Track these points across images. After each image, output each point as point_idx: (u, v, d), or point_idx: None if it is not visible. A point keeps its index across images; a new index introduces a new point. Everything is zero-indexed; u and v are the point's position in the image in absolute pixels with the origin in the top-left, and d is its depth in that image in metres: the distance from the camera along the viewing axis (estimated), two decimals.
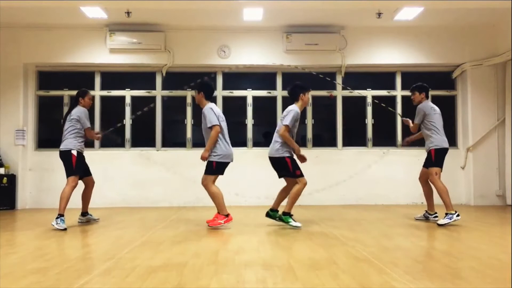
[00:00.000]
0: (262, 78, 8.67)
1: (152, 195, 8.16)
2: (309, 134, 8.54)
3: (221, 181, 5.45)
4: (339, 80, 8.58)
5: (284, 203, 5.47)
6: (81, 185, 5.68)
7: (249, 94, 8.55)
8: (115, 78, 8.56)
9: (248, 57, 8.33)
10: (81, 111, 5.62)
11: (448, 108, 8.32)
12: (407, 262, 3.49)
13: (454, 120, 8.57)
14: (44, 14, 7.52)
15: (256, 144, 8.51)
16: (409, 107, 8.47)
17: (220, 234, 4.96)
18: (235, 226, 5.47)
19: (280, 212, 5.47)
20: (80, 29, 8.12)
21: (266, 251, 3.99)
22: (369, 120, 8.57)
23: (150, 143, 8.48)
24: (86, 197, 5.87)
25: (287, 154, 5.34)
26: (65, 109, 7.62)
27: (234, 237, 4.79)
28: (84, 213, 5.92)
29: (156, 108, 8.49)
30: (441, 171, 5.57)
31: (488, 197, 8.18)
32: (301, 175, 5.35)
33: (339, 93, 8.63)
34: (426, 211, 5.97)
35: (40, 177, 8.09)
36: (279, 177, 5.54)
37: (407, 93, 8.49)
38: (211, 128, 5.25)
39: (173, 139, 8.80)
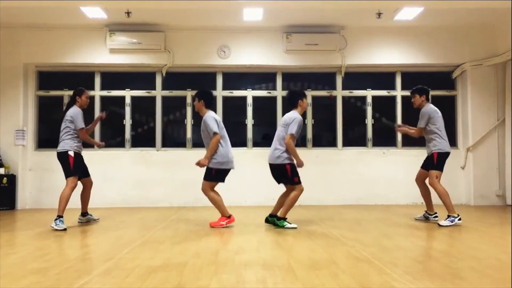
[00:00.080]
0: (262, 78, 8.67)
1: (152, 195, 8.16)
2: (309, 134, 8.54)
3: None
4: (339, 80, 8.59)
5: None
6: (80, 185, 5.67)
7: (249, 94, 8.55)
8: (115, 78, 8.56)
9: (248, 57, 8.33)
10: (76, 112, 5.55)
11: (448, 108, 8.32)
12: (407, 262, 3.49)
13: (454, 120, 8.57)
14: (44, 14, 7.52)
15: (256, 144, 8.51)
16: (409, 107, 8.49)
17: (220, 234, 4.96)
18: (235, 226, 5.48)
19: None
20: (80, 29, 8.12)
21: (266, 251, 3.99)
22: (369, 120, 8.57)
23: (150, 143, 8.48)
24: (84, 197, 5.85)
25: (288, 161, 5.33)
26: None
27: (234, 237, 4.80)
28: (84, 213, 5.92)
29: (156, 108, 8.49)
30: (441, 174, 5.57)
31: (488, 197, 8.18)
32: (299, 182, 5.36)
33: (339, 93, 8.63)
34: (426, 212, 5.98)
35: (40, 177, 8.09)
36: (278, 183, 5.55)
37: (407, 93, 8.49)
38: (212, 137, 5.26)
39: (173, 139, 8.80)
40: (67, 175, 5.45)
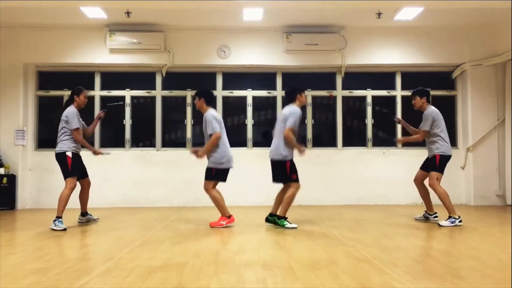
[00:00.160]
0: (262, 78, 8.67)
1: (152, 195, 8.16)
2: (309, 134, 8.54)
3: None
4: (339, 80, 8.59)
5: None
6: (78, 186, 5.65)
7: (249, 94, 8.56)
8: (115, 78, 8.56)
9: (248, 57, 8.33)
10: (71, 111, 5.51)
11: (448, 108, 8.32)
12: (407, 262, 3.49)
13: (454, 120, 8.57)
14: (44, 14, 7.52)
15: (256, 144, 8.51)
16: (409, 107, 8.50)
17: (220, 234, 4.96)
18: (235, 226, 5.48)
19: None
20: (80, 29, 8.12)
21: (266, 251, 3.99)
22: (369, 120, 8.58)
23: (150, 143, 8.48)
24: (83, 198, 5.83)
25: (289, 158, 5.35)
26: None
27: (234, 237, 4.80)
28: (84, 213, 5.91)
29: (156, 108, 8.50)
30: (441, 177, 5.56)
31: (488, 197, 8.18)
32: (297, 180, 5.36)
33: (339, 93, 8.63)
34: (426, 212, 5.98)
35: (40, 177, 8.09)
36: (274, 181, 5.54)
37: (407, 93, 8.52)
38: (211, 135, 5.28)
39: (173, 139, 8.80)
40: (65, 176, 5.44)
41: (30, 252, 4.02)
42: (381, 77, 8.71)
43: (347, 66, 8.39)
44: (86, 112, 7.80)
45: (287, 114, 5.37)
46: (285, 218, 5.35)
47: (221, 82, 8.54)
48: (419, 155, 6.01)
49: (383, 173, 8.29)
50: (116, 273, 3.14)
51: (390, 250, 3.93)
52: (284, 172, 5.36)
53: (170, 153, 8.38)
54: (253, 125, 8.53)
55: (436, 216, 5.86)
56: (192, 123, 8.45)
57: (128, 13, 7.38)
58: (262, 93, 8.58)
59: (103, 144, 8.45)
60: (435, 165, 5.54)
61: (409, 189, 7.68)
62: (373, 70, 8.66)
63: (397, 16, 7.60)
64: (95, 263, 3.60)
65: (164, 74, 8.42)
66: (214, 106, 5.94)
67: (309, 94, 8.51)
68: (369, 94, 8.60)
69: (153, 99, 8.53)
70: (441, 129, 5.60)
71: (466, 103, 8.38)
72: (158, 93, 8.53)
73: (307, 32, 8.17)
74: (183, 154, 8.25)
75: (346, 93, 8.62)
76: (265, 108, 8.69)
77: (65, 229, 5.19)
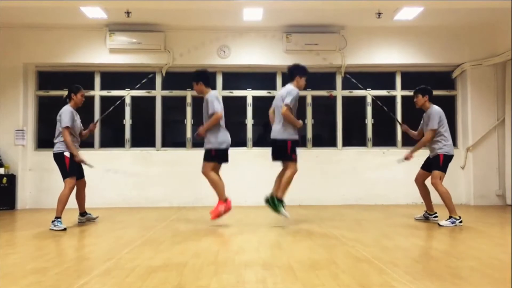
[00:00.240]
0: (262, 78, 8.67)
1: (152, 195, 8.16)
2: (309, 134, 8.54)
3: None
4: (339, 80, 8.59)
5: None
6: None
7: (249, 94, 8.56)
8: (115, 78, 8.56)
9: (248, 57, 8.33)
10: (66, 110, 5.49)
11: (448, 108, 8.26)
12: (407, 262, 3.49)
13: (454, 120, 8.57)
14: (44, 14, 7.52)
15: (256, 144, 8.51)
16: (409, 107, 8.51)
17: (220, 234, 4.96)
18: (235, 226, 5.48)
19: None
20: (80, 29, 8.12)
21: (266, 251, 3.99)
22: (369, 120, 8.58)
23: (150, 143, 8.48)
24: (80, 198, 5.80)
25: (291, 138, 5.37)
26: None
27: (234, 237, 4.79)
28: (83, 213, 5.90)
29: (156, 108, 8.50)
30: (444, 176, 5.55)
31: (488, 197, 8.18)
32: (295, 160, 5.39)
33: (339, 93, 8.63)
34: (426, 211, 5.97)
35: (40, 177, 8.09)
36: (273, 160, 5.54)
37: (407, 93, 8.55)
38: (212, 114, 5.27)
39: (173, 139, 8.80)
40: (64, 176, 5.41)
41: (30, 252, 4.03)
42: (381, 77, 8.71)
43: (347, 66, 8.39)
44: (86, 112, 7.85)
45: (284, 93, 5.41)
46: (282, 202, 5.34)
47: (221, 82, 8.54)
48: (419, 155, 5.99)
49: (383, 173, 8.29)
50: (116, 273, 3.14)
51: (390, 250, 3.93)
52: (285, 151, 5.36)
53: (170, 153, 8.38)
54: (253, 125, 8.53)
55: (436, 216, 5.85)
56: (192, 123, 8.45)
57: (128, 13, 7.38)
58: (262, 93, 8.57)
59: (103, 144, 8.45)
60: (438, 164, 5.52)
61: (409, 189, 7.68)
62: (373, 70, 8.66)
63: (397, 16, 7.60)
64: (95, 263, 3.59)
65: (164, 74, 8.42)
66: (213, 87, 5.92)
67: (309, 94, 8.51)
68: (369, 94, 8.59)
69: (153, 99, 8.53)
70: (445, 128, 5.60)
71: (466, 103, 8.39)
72: (158, 93, 8.53)
73: (307, 32, 8.17)
74: (183, 154, 8.27)
75: (346, 93, 8.62)
76: (265, 108, 8.65)
77: (65, 229, 5.18)
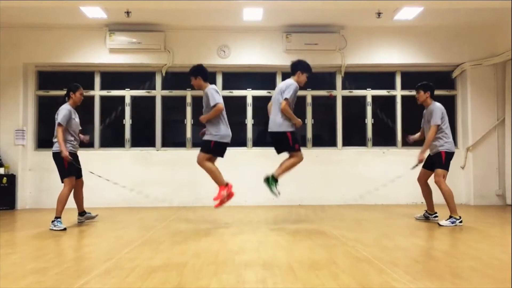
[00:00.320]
0: (262, 78, 8.67)
1: (152, 195, 8.15)
2: (309, 134, 8.53)
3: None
4: (339, 80, 8.59)
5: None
6: None
7: (249, 94, 8.55)
8: (115, 78, 8.56)
9: (248, 57, 8.33)
10: (63, 108, 5.48)
11: (448, 108, 8.20)
12: (407, 262, 3.49)
13: (454, 119, 8.56)
14: (44, 14, 7.52)
15: (256, 143, 8.51)
16: (409, 107, 8.53)
17: (220, 234, 4.96)
18: (235, 226, 5.48)
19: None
20: (80, 29, 8.12)
21: (266, 251, 3.99)
22: (369, 120, 8.57)
23: (150, 143, 8.48)
24: (78, 198, 5.78)
25: (289, 129, 5.38)
26: None
27: (234, 237, 4.79)
28: (82, 212, 5.89)
29: (156, 108, 8.50)
30: (447, 174, 5.54)
31: (488, 197, 8.18)
32: (299, 149, 5.41)
33: (339, 92, 8.63)
34: (426, 211, 5.97)
35: (40, 177, 8.09)
36: (278, 153, 5.56)
37: (407, 93, 8.55)
38: (214, 106, 5.27)
39: (173, 139, 8.80)
40: (63, 176, 5.40)
41: (30, 252, 4.03)
42: (381, 77, 8.71)
43: (347, 66, 8.39)
44: (86, 112, 7.87)
45: (284, 87, 5.42)
46: (276, 182, 5.36)
47: (221, 82, 8.54)
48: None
49: (383, 173, 8.28)
50: (116, 273, 3.14)
51: (390, 250, 3.93)
52: (287, 143, 5.38)
53: (170, 153, 8.38)
54: (253, 125, 8.53)
55: (436, 216, 5.85)
56: (192, 123, 8.45)
57: (128, 13, 7.37)
58: (262, 93, 8.57)
59: (103, 144, 8.45)
60: (441, 162, 5.51)
61: (409, 189, 7.70)
62: (373, 70, 8.66)
63: (397, 16, 7.60)
64: (95, 263, 3.59)
65: (164, 74, 8.42)
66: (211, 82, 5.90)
67: (309, 94, 8.51)
68: (369, 94, 8.60)
69: (153, 99, 8.53)
70: (446, 125, 5.60)
71: (466, 103, 8.39)
72: (158, 93, 8.53)
73: (307, 32, 8.17)
74: (183, 154, 8.26)
75: (346, 92, 8.62)
76: (265, 108, 8.65)
77: (65, 229, 5.19)
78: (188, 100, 8.47)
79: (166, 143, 8.57)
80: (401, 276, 2.99)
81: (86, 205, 5.98)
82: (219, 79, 8.54)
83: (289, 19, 7.95)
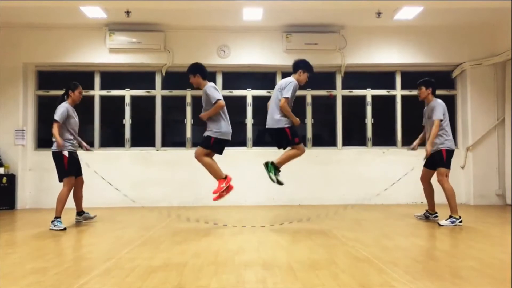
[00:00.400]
0: (262, 78, 8.67)
1: (152, 195, 8.15)
2: (309, 134, 8.53)
3: None
4: (338, 79, 8.59)
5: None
6: None
7: (249, 94, 8.55)
8: (114, 78, 8.55)
9: (248, 56, 8.33)
10: (61, 106, 5.47)
11: (448, 108, 8.20)
12: (407, 262, 3.49)
13: (454, 119, 8.56)
14: (44, 14, 7.52)
15: (256, 143, 8.51)
16: (408, 107, 8.53)
17: (220, 234, 4.96)
18: (235, 226, 5.47)
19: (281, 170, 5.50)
20: (79, 29, 8.12)
21: (266, 251, 3.99)
22: (369, 120, 8.57)
23: (150, 143, 8.48)
24: (77, 197, 5.77)
25: (287, 125, 5.39)
26: None
27: (234, 237, 4.79)
28: (80, 212, 5.87)
29: (156, 108, 8.50)
30: (449, 172, 5.54)
31: (488, 197, 8.18)
32: (300, 142, 5.43)
33: (339, 92, 8.63)
34: (427, 211, 5.96)
35: (40, 177, 8.08)
36: (279, 148, 5.59)
37: (406, 92, 8.55)
38: (215, 103, 5.27)
39: (173, 139, 8.80)
40: (62, 176, 5.39)
41: (30, 252, 4.02)
42: (380, 77, 8.71)
43: (346, 65, 8.39)
44: (86, 112, 7.86)
45: (284, 84, 5.43)
46: (277, 170, 5.38)
47: (221, 81, 8.54)
48: (419, 155, 6.00)
49: (383, 173, 8.28)
50: (116, 273, 3.14)
51: (390, 250, 3.93)
52: (286, 138, 5.39)
53: (170, 153, 8.38)
54: (253, 124, 8.53)
55: (437, 216, 5.85)
56: (192, 122, 8.45)
57: (128, 12, 7.37)
58: (262, 92, 8.57)
59: (103, 144, 8.45)
60: (442, 161, 5.51)
61: (409, 189, 7.71)
62: (373, 70, 8.66)
63: (397, 15, 7.59)
64: (94, 263, 3.59)
65: (163, 74, 8.42)
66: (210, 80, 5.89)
67: (308, 94, 8.51)
68: (369, 93, 8.60)
69: (152, 98, 8.53)
70: (447, 122, 5.60)
71: (466, 103, 8.39)
72: (158, 92, 8.53)
73: (307, 31, 8.17)
74: (183, 154, 8.26)
75: (346, 92, 8.62)
76: (265, 108, 8.65)
77: (64, 229, 5.19)
78: (188, 100, 8.47)
79: (166, 143, 8.57)
80: (401, 276, 2.99)
81: (86, 205, 5.99)
82: (219, 79, 8.54)
83: (289, 19, 7.95)
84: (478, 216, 6.48)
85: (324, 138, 8.88)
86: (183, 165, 8.06)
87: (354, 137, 8.72)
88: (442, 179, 5.47)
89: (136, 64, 8.32)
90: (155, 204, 8.07)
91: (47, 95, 8.39)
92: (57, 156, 5.40)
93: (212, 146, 5.38)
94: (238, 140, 8.22)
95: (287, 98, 5.31)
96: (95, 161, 7.42)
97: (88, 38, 8.16)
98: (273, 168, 5.39)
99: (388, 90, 8.65)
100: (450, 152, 5.53)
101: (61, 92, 5.80)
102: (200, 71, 5.51)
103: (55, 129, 5.34)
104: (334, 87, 8.64)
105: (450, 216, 5.41)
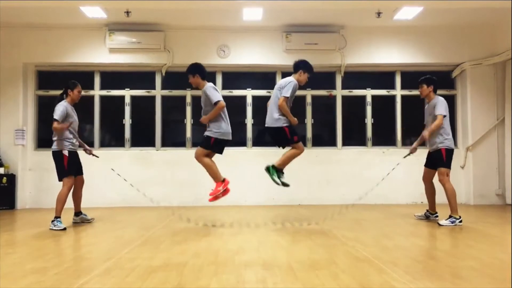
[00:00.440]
0: (262, 77, 8.67)
1: (152, 195, 8.13)
2: (309, 134, 8.53)
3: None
4: (338, 79, 8.59)
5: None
6: None
7: (249, 93, 8.55)
8: (114, 78, 8.55)
9: (248, 56, 8.33)
10: (59, 104, 5.45)
11: (448, 108, 8.29)
12: (407, 262, 3.49)
13: (454, 119, 8.56)
14: (44, 14, 7.52)
15: (255, 143, 8.51)
16: (408, 107, 8.53)
17: (220, 234, 4.96)
18: (235, 226, 5.48)
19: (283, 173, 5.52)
20: (79, 29, 8.12)
21: (266, 251, 3.98)
22: (369, 120, 8.57)
23: (150, 143, 8.48)
24: (76, 196, 5.75)
25: (286, 124, 5.40)
26: None
27: (234, 237, 4.79)
28: (78, 213, 5.84)
29: (156, 108, 8.50)
30: (450, 171, 5.54)
31: (487, 197, 8.19)
32: (299, 141, 5.45)
33: (339, 92, 8.63)
34: (427, 210, 5.96)
35: (40, 177, 8.08)
36: (279, 147, 5.60)
37: (406, 92, 8.56)
38: (215, 104, 5.26)
39: (173, 139, 8.80)
40: (62, 176, 5.38)
41: (30, 252, 4.02)
42: (380, 77, 8.71)
43: (346, 65, 8.39)
44: (86, 112, 7.87)
45: (283, 84, 5.45)
46: (278, 172, 5.40)
47: (221, 81, 8.54)
48: (419, 155, 6.00)
49: (383, 172, 8.25)
50: (115, 272, 3.14)
51: (390, 250, 3.93)
52: (285, 137, 5.40)
53: (169, 153, 8.38)
54: (252, 124, 8.53)
55: (437, 216, 5.85)
56: (192, 122, 8.45)
57: (127, 12, 7.37)
58: (262, 92, 8.57)
59: (103, 144, 8.45)
60: (442, 160, 5.50)
61: (409, 188, 7.73)
62: (373, 70, 8.67)
63: (397, 15, 7.59)
64: (94, 263, 3.59)
65: (163, 74, 8.42)
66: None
67: (308, 94, 8.51)
68: (368, 93, 8.60)
69: (152, 98, 8.53)
70: (447, 122, 5.61)
71: (466, 103, 8.39)
72: (158, 92, 8.53)
73: (307, 31, 8.17)
74: (183, 154, 8.26)
75: (346, 92, 8.62)
76: (265, 108, 8.66)
77: (64, 229, 5.18)
78: (188, 100, 8.47)
79: (166, 143, 8.57)
80: (401, 276, 2.99)
81: (87, 205, 5.98)
82: (219, 79, 8.54)
83: (289, 19, 7.95)
84: (478, 216, 6.48)
85: (324, 138, 8.88)
86: (183, 165, 8.06)
87: (354, 137, 8.72)
88: (443, 178, 5.47)
89: (136, 64, 8.32)
90: (155, 204, 8.05)
91: (47, 95, 8.38)
92: (57, 156, 5.39)
93: (212, 146, 5.38)
94: (238, 140, 8.22)
95: (286, 97, 5.33)
96: (95, 161, 7.42)
97: (88, 38, 8.16)
98: (274, 171, 5.40)
99: (388, 90, 8.66)
100: (449, 151, 5.53)
101: (60, 92, 5.79)
102: (199, 71, 5.51)
103: (57, 128, 5.32)
104: (334, 87, 8.64)
105: (450, 216, 5.41)
